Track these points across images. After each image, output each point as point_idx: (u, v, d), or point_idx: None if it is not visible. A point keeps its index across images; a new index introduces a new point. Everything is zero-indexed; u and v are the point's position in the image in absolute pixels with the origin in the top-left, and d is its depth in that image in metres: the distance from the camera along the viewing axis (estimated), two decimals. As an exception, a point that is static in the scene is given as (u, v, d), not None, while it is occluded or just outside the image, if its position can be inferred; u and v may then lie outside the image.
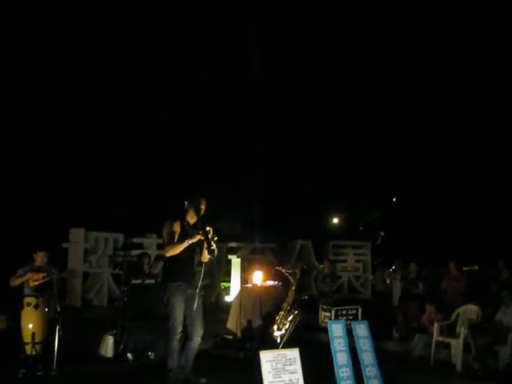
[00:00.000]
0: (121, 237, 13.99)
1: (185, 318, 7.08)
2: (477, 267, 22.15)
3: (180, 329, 7.01)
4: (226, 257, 15.60)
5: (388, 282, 15.30)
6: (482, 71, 26.41)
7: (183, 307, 7.04)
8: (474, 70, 26.63)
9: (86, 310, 12.57)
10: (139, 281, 10.01)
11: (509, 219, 29.55)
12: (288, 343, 7.82)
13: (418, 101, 28.70)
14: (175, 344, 7.00)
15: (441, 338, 10.12)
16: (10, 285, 8.96)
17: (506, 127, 27.19)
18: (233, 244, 16.38)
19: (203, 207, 7.23)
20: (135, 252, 13.19)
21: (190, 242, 7.02)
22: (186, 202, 7.27)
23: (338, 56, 25.79)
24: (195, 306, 7.11)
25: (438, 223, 32.23)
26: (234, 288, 14.35)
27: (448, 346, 10.08)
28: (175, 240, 7.07)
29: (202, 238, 7.04)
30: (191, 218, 7.26)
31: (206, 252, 7.18)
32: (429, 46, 26.67)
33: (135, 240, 14.39)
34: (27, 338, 8.36)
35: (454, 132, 29.20)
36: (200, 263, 7.50)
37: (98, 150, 23.06)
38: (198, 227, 7.13)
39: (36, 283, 8.88)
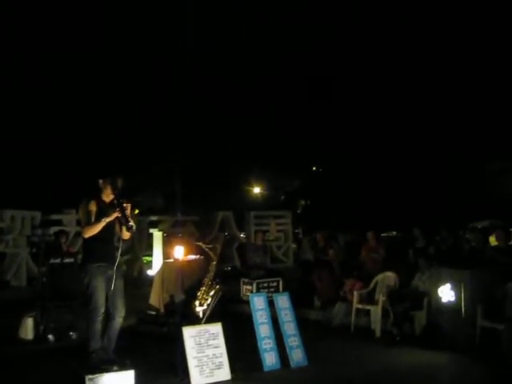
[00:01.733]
0: (38, 214, 13.66)
1: (106, 298, 6.97)
2: (395, 233, 22.77)
3: (102, 310, 6.90)
4: (148, 231, 15.47)
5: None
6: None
7: (104, 288, 6.93)
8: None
9: (3, 291, 12.26)
10: (58, 260, 9.81)
11: (426, 188, 30.52)
12: (211, 317, 7.83)
13: (346, 67, 28.96)
14: (98, 326, 6.89)
15: (360, 306, 10.38)
16: None
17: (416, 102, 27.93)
18: (154, 217, 16.26)
19: (119, 184, 7.08)
20: (54, 229, 12.90)
21: (107, 220, 6.88)
22: (100, 180, 7.10)
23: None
24: (116, 285, 7.01)
25: (358, 191, 32.91)
26: (156, 262, 14.24)
27: (367, 312, 10.35)
28: (92, 220, 6.92)
29: (120, 215, 6.91)
30: (107, 196, 7.10)
31: (124, 229, 7.06)
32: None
33: (53, 217, 14.06)
34: None
35: (371, 102, 29.70)
36: (120, 240, 7.39)
37: (8, 124, 22.34)
38: (115, 204, 6.98)
39: None
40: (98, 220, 6.88)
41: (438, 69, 27.92)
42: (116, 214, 6.90)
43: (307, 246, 15.48)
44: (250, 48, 26.14)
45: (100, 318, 6.88)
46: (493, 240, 12.29)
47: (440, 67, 27.87)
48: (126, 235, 7.21)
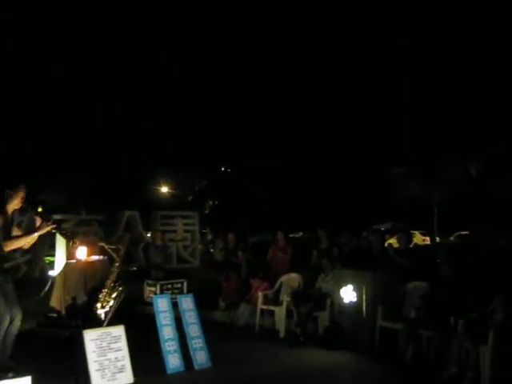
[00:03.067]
0: None
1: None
2: (301, 234, 23.11)
3: (6, 322, 6.67)
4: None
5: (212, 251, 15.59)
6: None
7: (3, 295, 6.69)
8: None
9: None
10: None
11: (332, 191, 31.15)
12: (113, 320, 7.70)
13: (257, 66, 29.12)
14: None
15: (265, 307, 10.48)
16: None
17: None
18: (57, 216, 15.79)
19: (22, 194, 6.89)
20: None
21: (38, 234, 6.72)
22: (7, 191, 6.87)
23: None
24: (8, 289, 6.79)
25: (267, 192, 33.22)
26: (58, 263, 13.86)
27: (272, 313, 10.45)
28: (7, 233, 6.68)
29: (53, 229, 6.78)
30: (14, 206, 6.89)
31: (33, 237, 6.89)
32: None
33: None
34: None
35: (280, 103, 30.02)
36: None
37: None
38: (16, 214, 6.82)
39: None
40: (25, 234, 6.71)
41: (338, 76, 28.47)
42: (48, 228, 6.74)
43: (219, 246, 15.52)
44: (161, 46, 25.94)
45: (3, 326, 6.65)
46: (394, 242, 12.63)
47: (343, 76, 28.45)
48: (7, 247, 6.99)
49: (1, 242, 6.73)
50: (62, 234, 7.12)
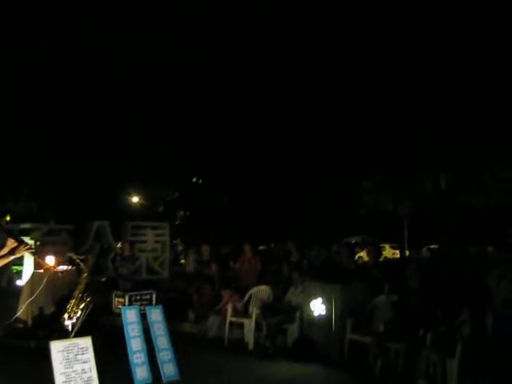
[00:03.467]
0: None
1: None
2: (273, 245, 23.10)
3: None
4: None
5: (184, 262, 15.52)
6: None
7: None
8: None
9: None
10: None
11: (303, 203, 31.26)
12: (81, 331, 7.61)
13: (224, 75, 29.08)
14: None
15: (234, 319, 10.44)
16: None
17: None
18: (26, 225, 15.63)
19: None
20: None
21: (16, 257, 6.62)
22: None
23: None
24: None
25: (237, 203, 33.22)
26: (26, 272, 13.68)
27: (241, 325, 10.42)
28: None
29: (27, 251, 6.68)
30: None
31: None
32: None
33: None
34: None
35: (250, 113, 30.06)
36: None
37: None
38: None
39: None
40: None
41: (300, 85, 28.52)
42: (24, 251, 6.64)
43: (192, 257, 15.45)
44: (125, 47, 25.82)
45: None
46: (365, 255, 12.73)
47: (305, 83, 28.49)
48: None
49: None
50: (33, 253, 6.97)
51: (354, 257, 12.44)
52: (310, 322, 9.45)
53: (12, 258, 6.74)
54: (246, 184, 32.82)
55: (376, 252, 11.04)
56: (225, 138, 30.52)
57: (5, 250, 6.63)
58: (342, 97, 27.38)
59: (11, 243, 6.74)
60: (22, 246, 6.71)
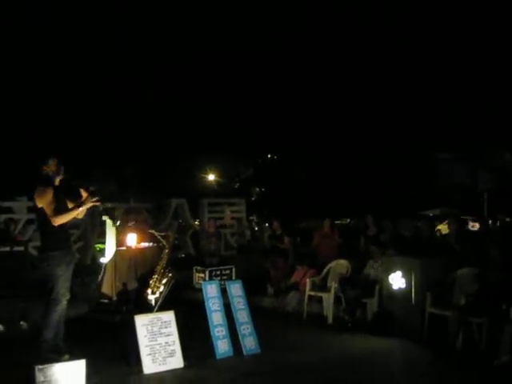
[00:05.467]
0: (-13, 201, 13.34)
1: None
2: (348, 220, 22.98)
3: (64, 300, 6.83)
4: (101, 217, 15.27)
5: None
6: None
7: (66, 275, 6.85)
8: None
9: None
10: (7, 248, 9.64)
11: (380, 177, 30.91)
12: (163, 305, 7.80)
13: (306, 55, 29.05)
14: (55, 316, 6.80)
15: (313, 293, 10.47)
16: None
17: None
18: (107, 204, 16.03)
19: (55, 167, 7.02)
20: (4, 217, 12.65)
21: (83, 208, 6.86)
22: (44, 167, 7.00)
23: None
24: (69, 270, 6.96)
25: (313, 179, 33.14)
26: (108, 250, 14.09)
27: (320, 299, 10.44)
28: (58, 207, 6.82)
29: (95, 202, 6.92)
30: (56, 182, 7.04)
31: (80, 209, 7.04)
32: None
33: (3, 204, 13.75)
34: None
35: (327, 90, 29.87)
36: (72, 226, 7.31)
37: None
38: (62, 187, 6.97)
39: None
40: (71, 208, 6.83)
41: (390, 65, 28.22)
42: (91, 204, 6.87)
43: (266, 233, 15.58)
44: (204, 34, 26.05)
45: (59, 307, 6.79)
46: (444, 228, 12.49)
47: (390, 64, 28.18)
48: (81, 214, 7.18)
49: (51, 217, 6.87)
50: (108, 215, 7.21)
51: (434, 229, 12.23)
52: (389, 295, 9.37)
53: (81, 209, 6.95)
54: (322, 159, 32.68)
55: (457, 224, 10.81)
56: (299, 111, 30.46)
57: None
58: (421, 66, 26.95)
59: (84, 195, 7.01)
60: (89, 197, 6.96)
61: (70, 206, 7.07)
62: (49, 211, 6.85)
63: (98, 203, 7.03)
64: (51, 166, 6.98)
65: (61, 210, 6.87)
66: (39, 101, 23.37)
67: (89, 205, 6.96)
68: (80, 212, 7.07)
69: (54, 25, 22.73)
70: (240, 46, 27.02)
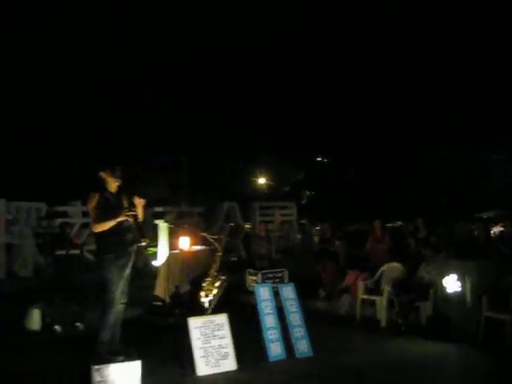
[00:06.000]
0: (43, 206, 13.66)
1: None
2: (400, 223, 22.72)
3: (118, 302, 6.94)
4: (153, 221, 15.43)
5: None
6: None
7: (119, 278, 6.96)
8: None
9: (10, 282, 12.28)
10: (63, 251, 9.84)
11: (431, 179, 30.50)
12: (216, 308, 7.86)
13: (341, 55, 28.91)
14: (112, 317, 6.92)
15: (365, 296, 10.39)
16: None
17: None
18: (159, 208, 16.23)
19: (118, 175, 7.11)
20: (59, 221, 12.93)
21: (117, 220, 6.92)
22: (102, 173, 7.09)
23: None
24: (125, 273, 7.05)
25: (361, 181, 32.90)
26: (161, 253, 14.23)
27: (373, 303, 10.35)
28: (100, 214, 6.91)
29: (132, 218, 6.98)
30: (112, 187, 7.12)
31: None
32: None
33: (59, 208, 14.07)
34: None
35: (376, 92, 29.64)
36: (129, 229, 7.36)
37: (13, 116, 22.41)
38: (121, 195, 7.04)
39: None
40: (108, 218, 6.89)
41: (436, 63, 27.86)
42: (124, 217, 6.92)
43: (316, 236, 15.56)
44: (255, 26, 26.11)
45: (114, 310, 6.91)
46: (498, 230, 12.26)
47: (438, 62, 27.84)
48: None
49: (92, 222, 7.00)
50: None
51: (489, 232, 12.02)
52: (443, 299, 9.24)
53: (119, 219, 6.99)
54: (372, 161, 32.44)
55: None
56: (348, 115, 30.31)
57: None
58: (476, 66, 26.58)
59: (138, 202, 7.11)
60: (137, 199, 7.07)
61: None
62: (92, 217, 7.00)
63: (134, 214, 7.05)
64: (108, 171, 7.08)
65: (105, 216, 6.94)
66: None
67: (122, 218, 6.98)
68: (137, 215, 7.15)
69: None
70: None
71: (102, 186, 7.08)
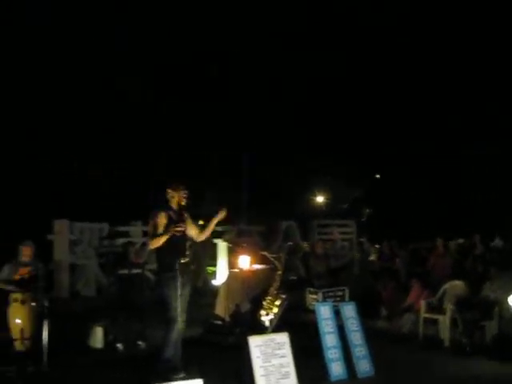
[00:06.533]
0: (106, 226, 13.90)
1: None
2: (462, 240, 22.29)
3: (180, 320, 7.03)
4: (212, 240, 15.56)
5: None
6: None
7: (177, 296, 7.04)
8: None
9: (74, 302, 12.50)
10: (126, 271, 10.00)
11: (486, 197, 29.92)
12: (277, 327, 7.85)
13: (397, 70, 28.77)
14: (174, 335, 7.01)
15: (428, 315, 10.21)
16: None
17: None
18: (218, 228, 16.33)
19: (182, 193, 7.24)
20: (121, 241, 13.14)
21: (167, 235, 7.01)
22: (168, 190, 7.26)
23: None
24: (184, 290, 7.13)
25: (420, 199, 32.48)
26: (220, 272, 14.34)
27: (435, 322, 10.17)
28: (159, 231, 7.04)
29: (183, 229, 7.08)
30: (175, 205, 7.25)
31: (197, 232, 7.28)
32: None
33: (120, 229, 14.30)
34: (16, 333, 8.35)
35: (433, 104, 29.33)
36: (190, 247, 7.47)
37: (75, 140, 22.91)
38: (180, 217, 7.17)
39: (18, 277, 8.84)
40: (161, 232, 7.01)
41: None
42: (179, 229, 7.02)
43: (376, 254, 15.44)
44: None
45: (176, 327, 6.98)
46: None
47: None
48: (200, 237, 7.40)
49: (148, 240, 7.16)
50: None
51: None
52: (509, 318, 9.01)
53: (164, 238, 7.08)
54: (430, 179, 32.04)
55: None
56: (404, 131, 30.09)
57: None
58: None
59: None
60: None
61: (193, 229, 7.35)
62: (149, 232, 7.17)
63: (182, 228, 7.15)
64: (175, 187, 7.25)
65: (158, 231, 7.09)
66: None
67: (171, 232, 7.06)
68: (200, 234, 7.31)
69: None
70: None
71: (166, 203, 7.23)
